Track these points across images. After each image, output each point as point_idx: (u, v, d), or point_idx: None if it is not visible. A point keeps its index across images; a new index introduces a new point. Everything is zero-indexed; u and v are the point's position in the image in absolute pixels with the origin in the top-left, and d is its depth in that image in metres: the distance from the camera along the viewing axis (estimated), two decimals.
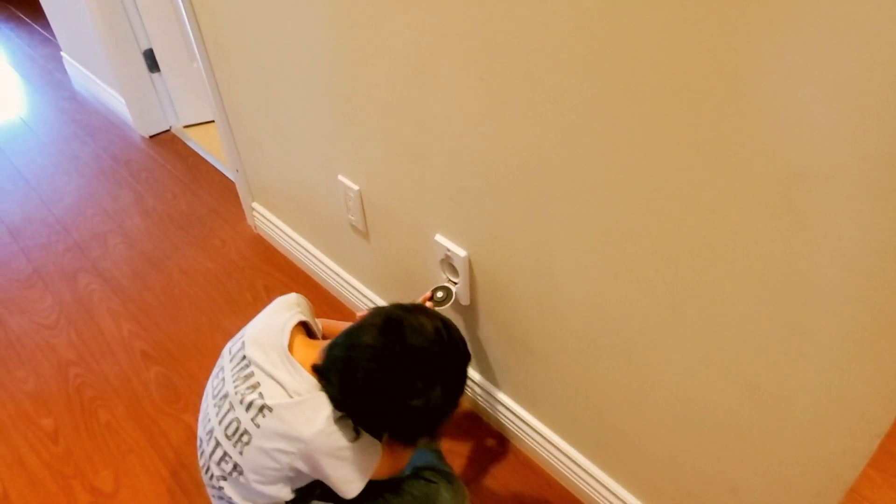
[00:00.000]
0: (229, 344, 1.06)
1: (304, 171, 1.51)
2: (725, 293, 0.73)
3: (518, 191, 0.93)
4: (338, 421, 0.94)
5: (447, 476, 1.13)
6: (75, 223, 2.08)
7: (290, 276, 1.80)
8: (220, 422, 0.98)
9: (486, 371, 1.29)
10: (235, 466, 0.97)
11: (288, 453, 0.93)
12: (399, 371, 0.91)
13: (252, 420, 0.94)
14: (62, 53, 3.04)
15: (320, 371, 0.95)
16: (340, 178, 1.35)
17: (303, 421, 0.92)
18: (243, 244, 1.94)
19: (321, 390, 0.95)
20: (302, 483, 1.01)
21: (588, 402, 1.06)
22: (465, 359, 1.00)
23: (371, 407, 0.93)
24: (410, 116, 1.05)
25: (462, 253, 1.12)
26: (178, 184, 2.24)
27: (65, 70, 3.08)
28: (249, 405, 0.95)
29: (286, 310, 1.04)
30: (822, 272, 0.63)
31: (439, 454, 1.24)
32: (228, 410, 0.97)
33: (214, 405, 1.01)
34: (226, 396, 0.99)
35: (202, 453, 1.04)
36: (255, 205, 1.89)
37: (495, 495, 1.24)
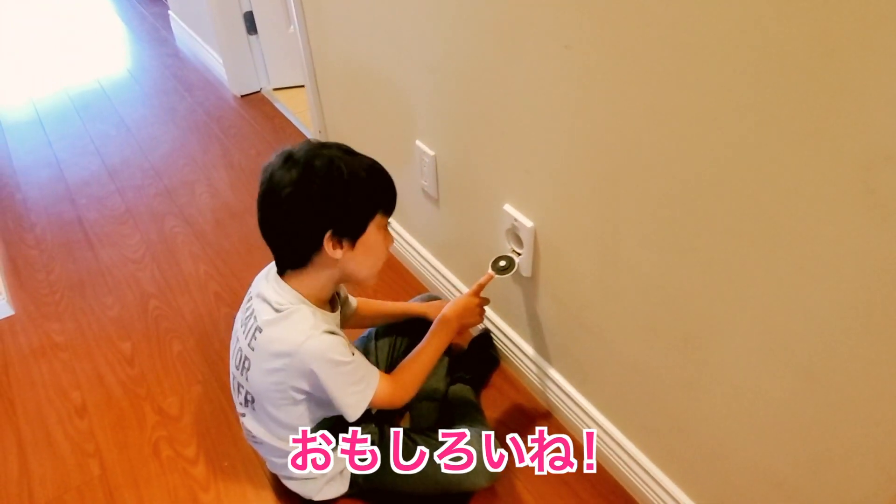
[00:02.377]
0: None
1: (383, 136, 1.55)
2: (792, 278, 0.72)
3: (592, 165, 0.93)
4: (326, 332, 0.95)
5: (483, 431, 1.13)
6: (167, 170, 2.21)
7: None
8: (233, 356, 1.07)
9: (540, 345, 1.30)
10: (247, 395, 1.04)
11: (280, 370, 0.96)
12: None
13: (249, 344, 1.00)
14: (169, 12, 3.22)
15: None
16: (418, 143, 1.39)
17: (287, 333, 0.96)
18: None
19: (304, 303, 0.97)
20: (318, 410, 1.05)
21: (640, 384, 1.06)
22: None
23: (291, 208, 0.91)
24: (492, 84, 1.07)
25: (529, 223, 1.13)
26: (263, 142, 2.34)
27: (170, 28, 3.26)
28: (248, 330, 1.01)
29: None
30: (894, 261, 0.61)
31: (481, 416, 1.25)
32: (236, 342, 1.05)
33: (232, 344, 1.09)
34: (235, 332, 1.07)
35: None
36: None
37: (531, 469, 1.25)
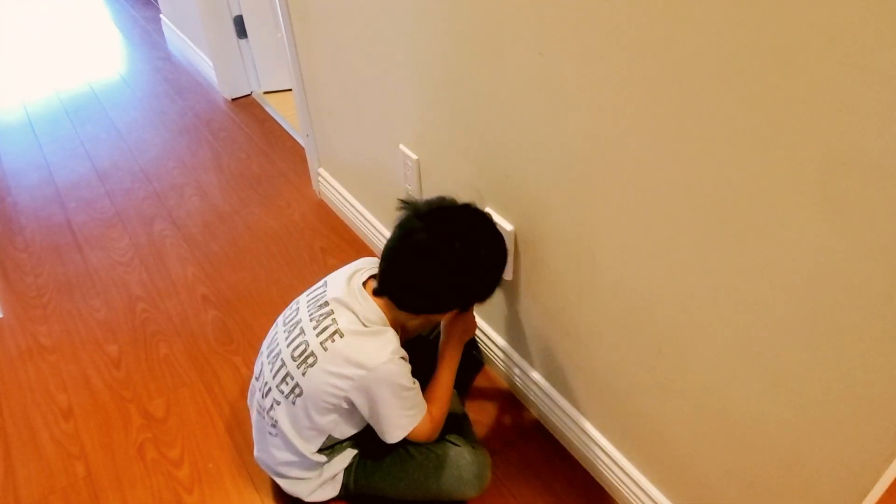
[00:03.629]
0: (306, 293, 1.14)
1: (369, 140, 1.56)
2: (756, 283, 0.73)
3: (569, 168, 0.95)
4: (401, 360, 1.01)
5: (471, 442, 1.17)
6: (157, 173, 2.21)
7: (347, 241, 1.87)
8: (289, 344, 1.06)
9: (523, 349, 1.32)
10: (295, 388, 1.04)
11: (349, 379, 0.99)
12: (439, 244, 0.99)
13: (322, 343, 1.01)
14: (161, 16, 3.22)
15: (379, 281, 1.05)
16: (401, 147, 1.40)
17: (371, 350, 1.00)
18: (306, 207, 2.02)
19: (389, 325, 1.03)
20: (347, 425, 1.07)
21: (617, 387, 1.07)
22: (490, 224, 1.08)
23: (419, 278, 1.00)
24: (470, 88, 1.09)
25: (509, 227, 1.15)
26: (253, 146, 2.35)
27: (162, 32, 3.26)
28: (323, 330, 1.02)
29: (360, 265, 1.12)
30: (856, 267, 0.63)
31: (467, 423, 1.27)
32: (299, 335, 1.05)
33: (285, 331, 1.09)
34: (298, 323, 1.07)
35: (261, 376, 1.11)
36: (320, 170, 1.97)
37: (517, 468, 1.26)
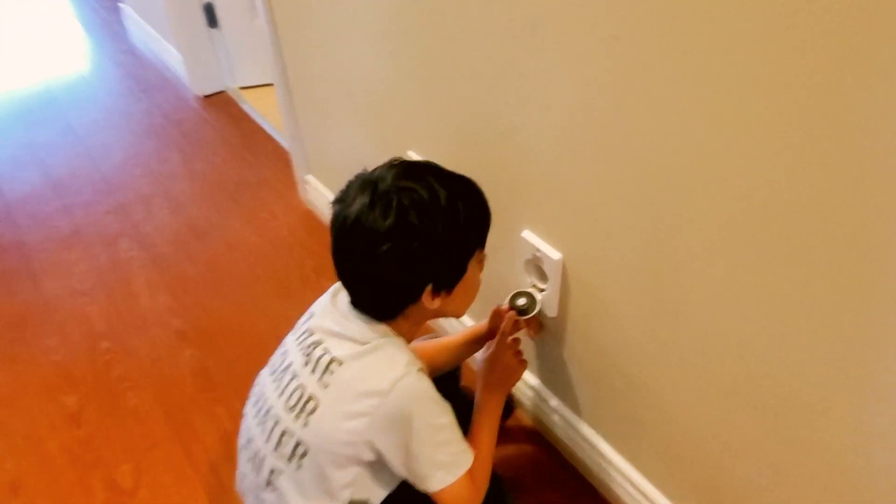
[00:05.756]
0: (292, 332, 0.92)
1: (369, 143, 1.34)
2: None
3: (640, 181, 0.73)
4: (421, 372, 0.80)
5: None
6: (121, 183, 1.96)
7: None
8: (281, 394, 0.85)
9: (566, 394, 1.10)
10: (298, 445, 0.82)
11: (363, 415, 0.78)
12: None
13: (319, 380, 0.81)
14: (120, 4, 2.93)
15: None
16: (411, 154, 1.17)
17: (380, 369, 0.79)
18: (294, 219, 1.78)
19: (394, 336, 0.82)
20: (377, 486, 0.85)
21: (708, 457, 0.86)
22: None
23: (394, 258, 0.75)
24: (503, 85, 0.86)
25: (555, 255, 0.93)
26: (230, 149, 2.10)
27: (122, 23, 2.98)
28: (316, 364, 0.82)
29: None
30: None
31: (498, 482, 1.05)
32: (291, 379, 0.85)
33: (273, 380, 0.88)
34: (288, 367, 0.86)
35: (249, 447, 0.89)
36: (308, 177, 1.74)
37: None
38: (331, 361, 0.81)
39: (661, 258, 0.76)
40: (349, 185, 0.80)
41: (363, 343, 0.81)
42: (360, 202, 0.76)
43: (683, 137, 0.66)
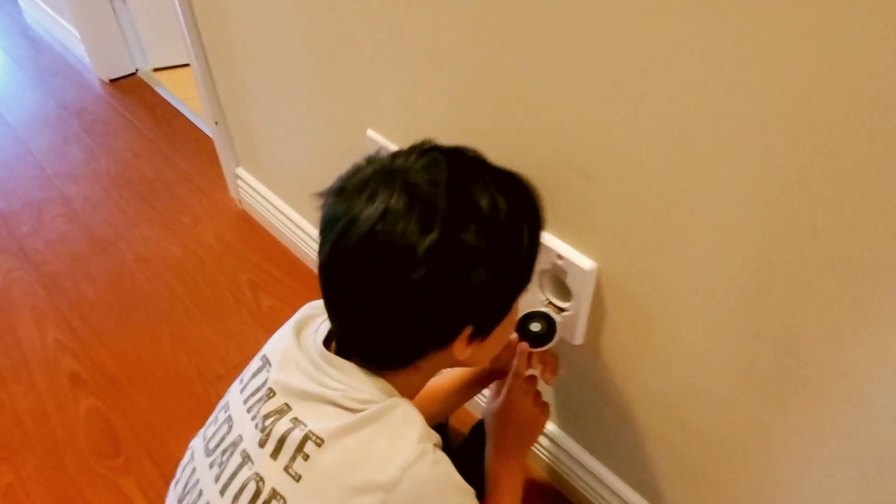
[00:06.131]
0: (237, 383, 0.68)
1: (317, 126, 1.08)
2: None
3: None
4: (436, 448, 0.59)
5: None
6: (3, 187, 1.66)
7: (285, 269, 1.35)
8: (225, 489, 0.60)
9: (594, 445, 0.85)
10: None
11: None
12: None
13: (286, 469, 0.58)
14: None
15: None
16: (371, 133, 0.90)
17: (380, 450, 0.57)
18: (223, 223, 1.50)
19: (398, 398, 0.60)
20: None
21: None
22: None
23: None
24: (510, 37, 0.60)
25: (587, 264, 0.68)
26: (143, 141, 1.81)
27: (16, 1, 2.60)
28: (281, 444, 0.58)
29: (307, 311, 0.67)
30: None
31: None
32: (239, 468, 0.60)
33: (210, 465, 0.63)
34: (234, 445, 0.62)
35: None
36: (239, 171, 1.45)
37: None
38: (304, 440, 0.57)
39: (747, 269, 0.51)
40: (357, 172, 0.57)
41: (352, 409, 0.58)
42: (380, 201, 0.53)
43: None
